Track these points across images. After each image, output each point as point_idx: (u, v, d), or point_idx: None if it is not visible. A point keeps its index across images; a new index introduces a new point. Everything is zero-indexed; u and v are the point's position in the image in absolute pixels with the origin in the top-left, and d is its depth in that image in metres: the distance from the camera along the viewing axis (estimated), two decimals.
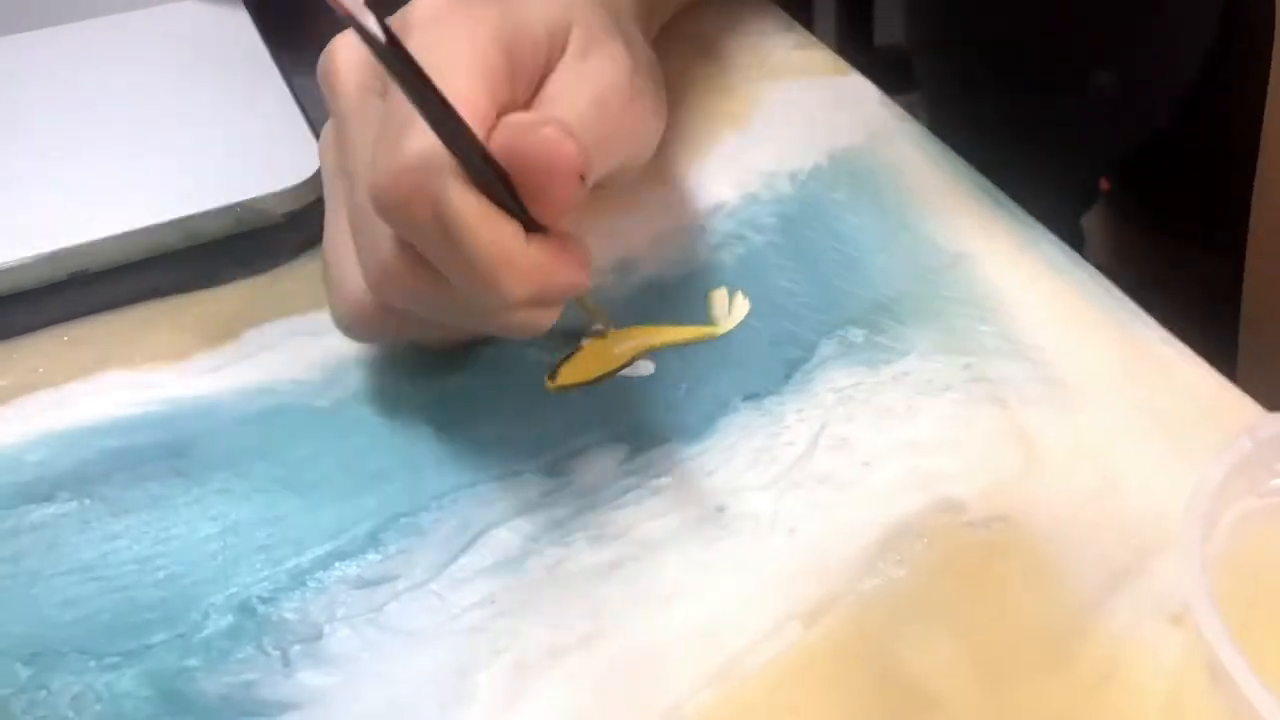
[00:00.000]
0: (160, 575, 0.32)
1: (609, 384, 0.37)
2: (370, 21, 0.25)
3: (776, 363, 0.37)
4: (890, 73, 0.57)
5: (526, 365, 0.37)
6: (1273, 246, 0.44)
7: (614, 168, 0.34)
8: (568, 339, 0.38)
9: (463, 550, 0.33)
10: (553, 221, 0.30)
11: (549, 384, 0.37)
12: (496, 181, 0.29)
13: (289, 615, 0.31)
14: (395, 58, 0.26)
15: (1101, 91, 0.59)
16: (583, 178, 0.30)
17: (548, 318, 0.33)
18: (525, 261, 0.30)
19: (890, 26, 1.22)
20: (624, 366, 0.37)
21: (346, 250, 0.33)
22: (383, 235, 0.31)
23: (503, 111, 0.31)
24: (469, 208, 0.29)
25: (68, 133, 0.44)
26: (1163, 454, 0.34)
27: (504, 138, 0.29)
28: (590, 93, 0.33)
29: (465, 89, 0.29)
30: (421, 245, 0.30)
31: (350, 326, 0.35)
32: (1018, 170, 0.44)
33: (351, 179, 0.32)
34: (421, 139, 0.29)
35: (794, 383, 0.37)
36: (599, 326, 0.38)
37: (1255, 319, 0.46)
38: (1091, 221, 0.67)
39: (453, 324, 0.34)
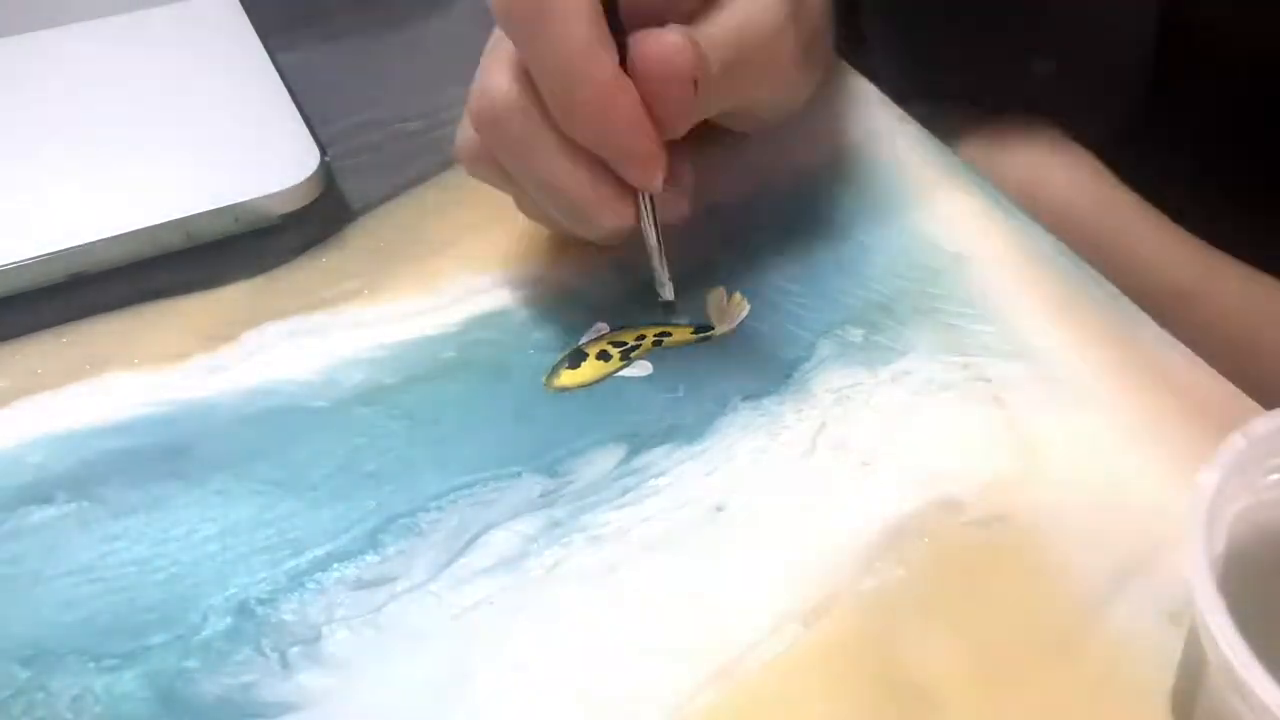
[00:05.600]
0: (159, 577, 0.32)
1: (608, 384, 0.37)
2: None
3: (775, 362, 0.37)
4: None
5: (525, 366, 0.37)
6: None
7: (747, 103, 0.37)
8: (566, 340, 0.38)
9: (462, 551, 0.33)
10: (670, 124, 0.33)
11: (547, 385, 0.37)
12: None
13: (288, 617, 0.31)
14: None
15: (1039, 80, 0.58)
16: (696, 83, 0.32)
17: (621, 210, 0.35)
18: (611, 84, 0.32)
19: None
20: (623, 367, 0.37)
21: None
22: (503, 58, 0.34)
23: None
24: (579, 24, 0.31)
25: (67, 134, 0.44)
26: (1161, 453, 0.34)
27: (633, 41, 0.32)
28: (732, 21, 0.35)
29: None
30: (528, 43, 0.32)
31: (460, 152, 0.37)
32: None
33: None
34: None
35: (793, 382, 0.37)
36: (600, 325, 0.38)
37: None
38: None
39: (533, 190, 0.35)
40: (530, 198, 0.37)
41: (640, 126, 0.33)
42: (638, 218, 0.36)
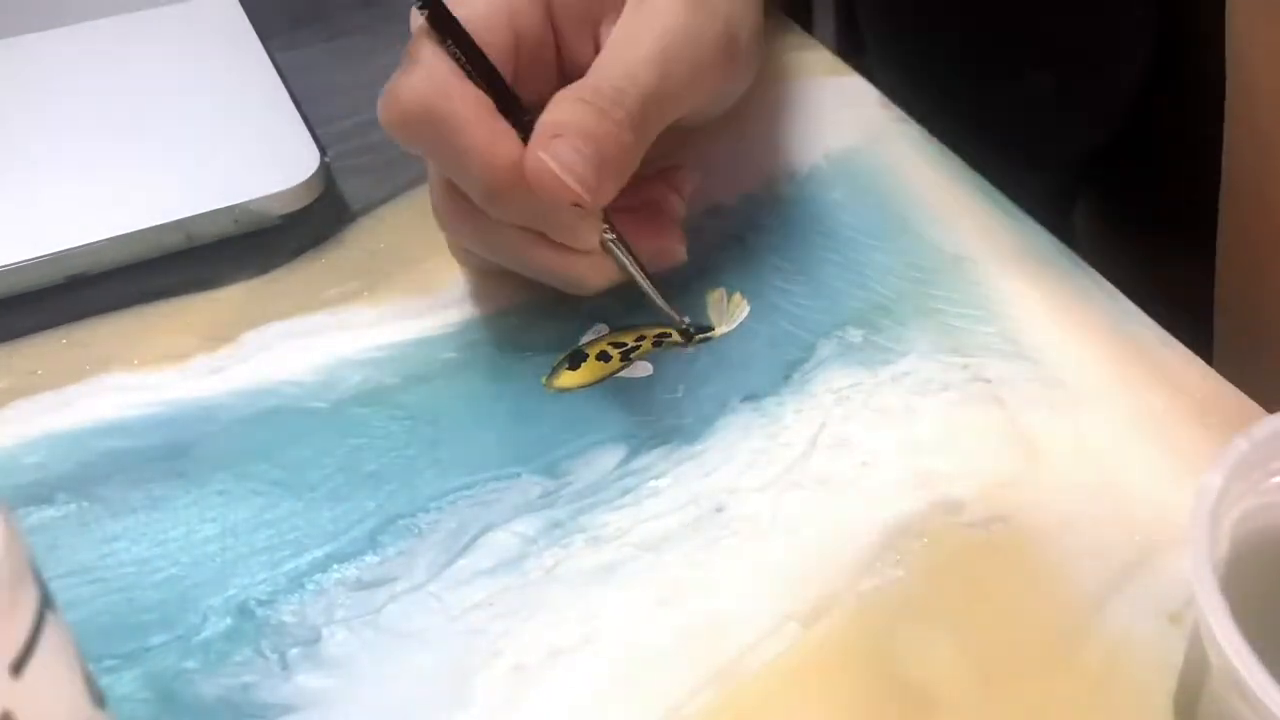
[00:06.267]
0: (159, 577, 0.32)
1: (607, 385, 0.37)
2: None
3: (775, 363, 0.37)
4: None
5: (525, 367, 0.37)
6: (1240, 250, 0.44)
7: (684, 112, 0.36)
8: (566, 340, 0.38)
9: (461, 552, 0.33)
10: (582, 210, 0.33)
11: (547, 385, 0.37)
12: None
13: (287, 618, 0.31)
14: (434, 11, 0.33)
15: (1039, 91, 0.59)
16: (580, 204, 0.32)
17: (599, 267, 0.36)
18: (515, 155, 0.32)
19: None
20: (622, 367, 0.37)
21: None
22: (433, 177, 0.36)
23: (535, 45, 0.36)
24: (463, 106, 0.32)
25: (67, 135, 0.44)
26: (1161, 453, 0.34)
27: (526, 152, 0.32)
28: (650, 40, 0.34)
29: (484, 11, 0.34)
30: (430, 154, 0.34)
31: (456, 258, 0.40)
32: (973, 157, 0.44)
33: None
34: (427, 56, 0.33)
35: (793, 383, 0.37)
36: (600, 325, 0.38)
37: (1227, 322, 0.46)
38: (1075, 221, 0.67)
39: (506, 261, 0.37)
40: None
41: (556, 199, 0.32)
42: (620, 269, 0.36)
